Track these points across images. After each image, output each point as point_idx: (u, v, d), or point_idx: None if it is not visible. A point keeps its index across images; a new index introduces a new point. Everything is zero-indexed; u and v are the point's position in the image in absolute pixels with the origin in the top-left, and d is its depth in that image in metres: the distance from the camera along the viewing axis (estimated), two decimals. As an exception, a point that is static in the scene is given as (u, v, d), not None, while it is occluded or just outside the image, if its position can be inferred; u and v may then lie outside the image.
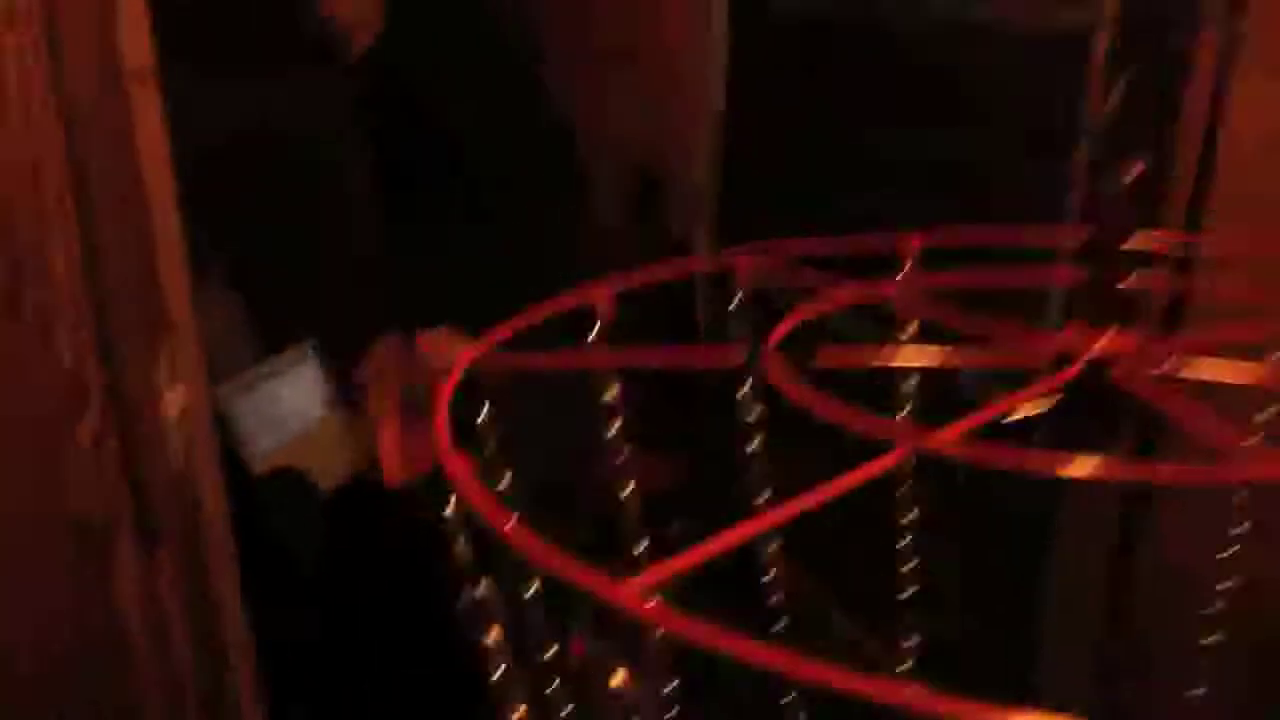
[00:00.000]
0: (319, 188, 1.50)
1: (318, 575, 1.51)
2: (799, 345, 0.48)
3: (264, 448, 1.70)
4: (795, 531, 0.42)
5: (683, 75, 1.67)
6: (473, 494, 0.34)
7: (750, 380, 0.52)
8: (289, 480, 1.65)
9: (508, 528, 0.31)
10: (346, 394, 1.80)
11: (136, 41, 1.01)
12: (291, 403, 1.84)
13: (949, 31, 1.36)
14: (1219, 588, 0.59)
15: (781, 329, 0.49)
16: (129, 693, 1.00)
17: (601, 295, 0.56)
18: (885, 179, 1.53)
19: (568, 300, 0.55)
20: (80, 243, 0.88)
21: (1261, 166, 0.99)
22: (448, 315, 1.42)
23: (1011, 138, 1.27)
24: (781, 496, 0.38)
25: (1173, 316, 0.95)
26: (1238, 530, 0.57)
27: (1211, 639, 0.63)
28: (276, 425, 1.78)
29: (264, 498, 1.37)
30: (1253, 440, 0.53)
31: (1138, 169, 0.59)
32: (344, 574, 1.46)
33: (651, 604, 0.28)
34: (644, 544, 0.56)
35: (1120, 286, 0.51)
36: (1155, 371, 0.47)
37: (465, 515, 0.41)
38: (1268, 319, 0.58)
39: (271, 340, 1.81)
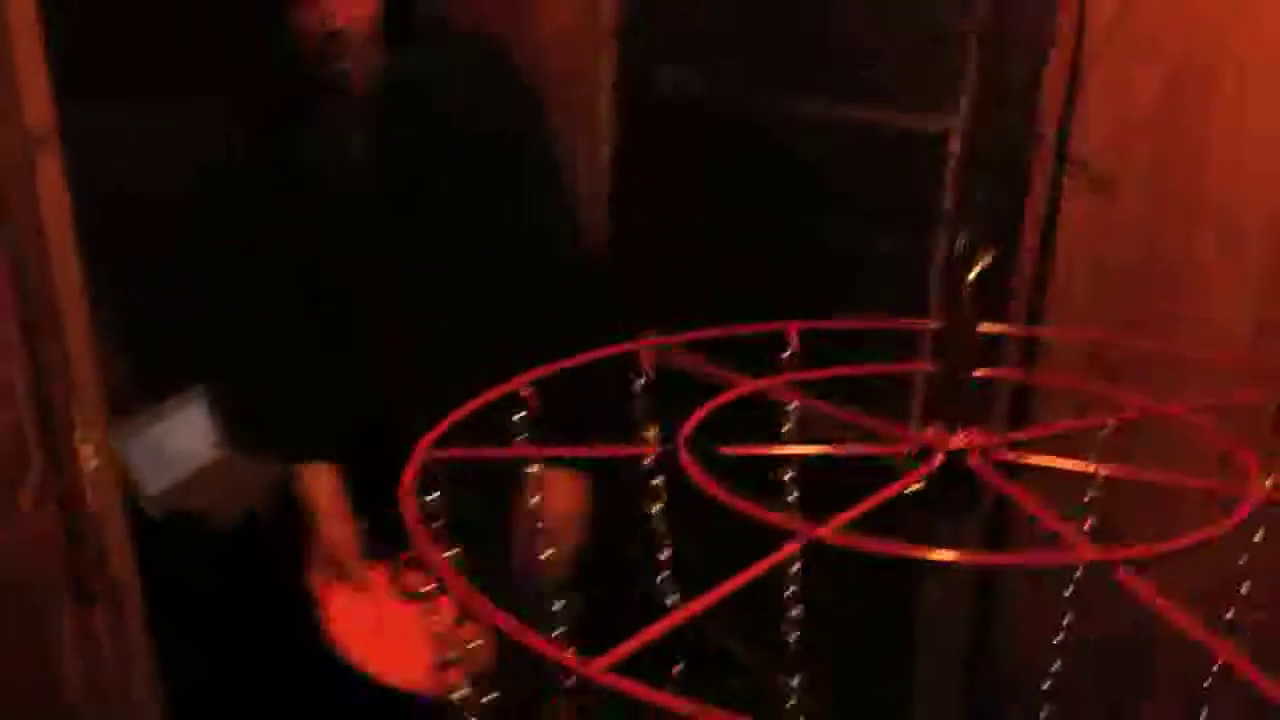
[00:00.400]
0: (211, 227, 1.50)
1: (216, 615, 1.52)
2: (703, 439, 0.56)
3: (155, 491, 1.70)
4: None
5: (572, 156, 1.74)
6: (462, 591, 0.41)
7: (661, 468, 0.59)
8: (183, 522, 1.66)
9: (500, 620, 0.38)
10: (234, 436, 1.81)
11: (39, 107, 1.04)
12: (181, 445, 1.84)
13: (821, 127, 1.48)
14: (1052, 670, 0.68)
15: (691, 422, 0.56)
16: None
17: (524, 386, 0.63)
18: (767, 260, 1.64)
19: (494, 392, 0.62)
20: (20, 317, 0.91)
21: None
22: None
23: (881, 224, 1.39)
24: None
25: (1020, 403, 1.07)
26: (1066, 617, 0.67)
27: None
28: (167, 468, 1.78)
29: (159, 540, 1.38)
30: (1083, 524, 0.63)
31: (986, 260, 0.66)
32: (241, 612, 1.48)
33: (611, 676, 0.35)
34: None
35: (970, 376, 0.59)
36: (1001, 459, 0.56)
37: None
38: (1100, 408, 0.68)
39: (158, 385, 1.81)
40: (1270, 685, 0.40)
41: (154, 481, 1.76)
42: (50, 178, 1.02)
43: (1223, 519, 0.50)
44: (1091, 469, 0.57)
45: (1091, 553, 0.45)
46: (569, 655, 0.36)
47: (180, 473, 1.86)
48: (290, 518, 1.48)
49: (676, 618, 0.39)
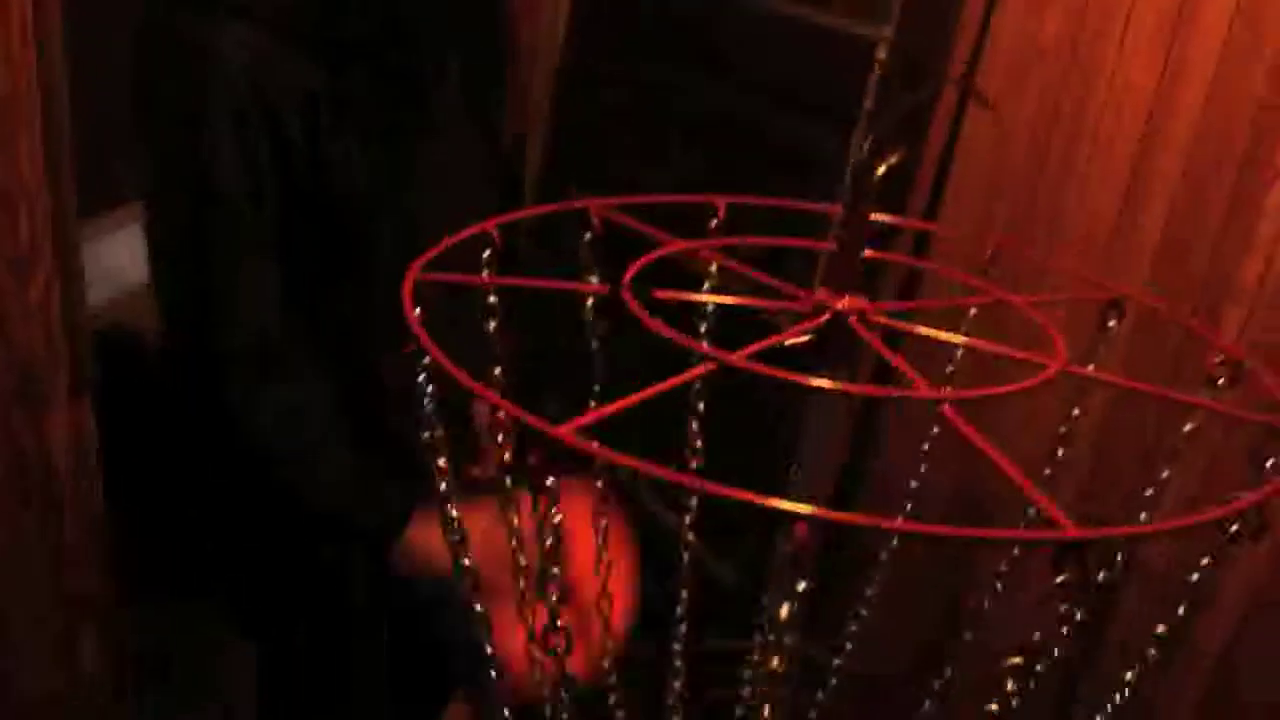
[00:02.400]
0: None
1: (153, 429, 1.60)
2: (642, 283, 0.69)
3: (95, 304, 1.76)
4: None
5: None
6: (444, 362, 0.54)
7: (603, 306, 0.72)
8: (123, 336, 1.72)
9: (477, 385, 0.51)
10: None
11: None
12: (115, 262, 1.89)
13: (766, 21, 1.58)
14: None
15: (631, 270, 0.69)
16: (58, 523, 1.14)
17: (491, 227, 0.75)
18: (704, 144, 1.76)
19: (466, 232, 0.75)
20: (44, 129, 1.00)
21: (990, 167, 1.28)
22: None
23: (811, 117, 1.52)
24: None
25: (911, 282, 1.23)
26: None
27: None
28: (106, 283, 1.83)
29: (100, 352, 1.45)
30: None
31: (895, 157, 0.79)
32: (178, 428, 1.54)
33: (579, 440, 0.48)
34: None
35: (859, 253, 0.72)
36: (875, 322, 0.70)
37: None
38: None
39: (97, 198, 1.84)
40: (1059, 514, 0.53)
41: (92, 295, 1.83)
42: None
43: (1035, 379, 0.65)
44: (940, 335, 0.72)
45: (926, 391, 0.60)
46: (539, 420, 0.49)
47: (118, 288, 1.91)
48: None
49: (625, 401, 0.52)
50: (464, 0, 1.40)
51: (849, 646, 0.97)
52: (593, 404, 0.83)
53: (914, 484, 0.93)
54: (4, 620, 1.20)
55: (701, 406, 0.86)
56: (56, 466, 1.16)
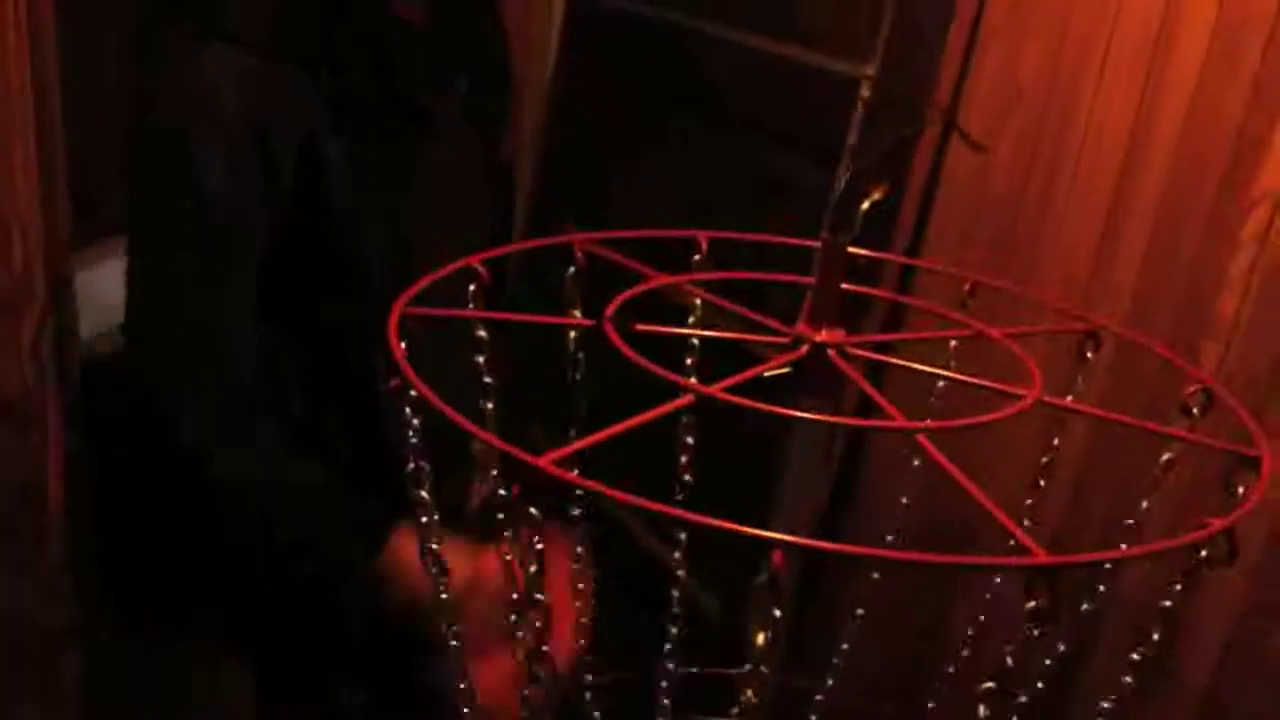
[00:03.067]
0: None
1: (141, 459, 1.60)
2: (624, 316, 0.70)
3: (85, 338, 1.77)
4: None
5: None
6: (422, 391, 0.55)
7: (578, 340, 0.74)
8: (110, 370, 1.72)
9: (461, 421, 0.52)
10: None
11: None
12: (107, 293, 1.89)
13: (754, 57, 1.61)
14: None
15: (614, 304, 0.70)
16: (46, 552, 1.15)
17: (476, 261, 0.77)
18: (689, 175, 1.78)
19: (451, 267, 0.76)
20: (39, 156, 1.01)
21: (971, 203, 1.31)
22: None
23: (795, 151, 1.54)
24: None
25: (895, 317, 1.25)
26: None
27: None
28: (94, 314, 1.83)
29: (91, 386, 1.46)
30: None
31: (879, 193, 0.81)
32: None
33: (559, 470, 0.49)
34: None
35: (837, 286, 0.74)
36: (855, 354, 0.72)
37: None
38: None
39: (84, 229, 1.84)
40: (1029, 540, 0.54)
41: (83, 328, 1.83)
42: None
43: (1010, 409, 0.66)
44: (916, 367, 0.73)
45: (903, 422, 0.61)
46: (518, 450, 0.50)
47: (106, 322, 1.92)
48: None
49: (605, 433, 0.53)
50: (463, 22, 1.41)
51: (830, 681, 0.98)
52: (574, 435, 0.85)
53: (897, 512, 0.94)
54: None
55: (688, 438, 0.87)
56: (49, 497, 1.16)
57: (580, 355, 0.84)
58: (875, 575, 0.90)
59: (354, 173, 1.24)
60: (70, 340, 1.14)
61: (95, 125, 1.51)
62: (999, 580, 0.94)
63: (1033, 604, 0.49)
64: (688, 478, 0.89)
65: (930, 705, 0.95)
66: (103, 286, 1.91)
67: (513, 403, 0.85)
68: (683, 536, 0.92)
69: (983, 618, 0.92)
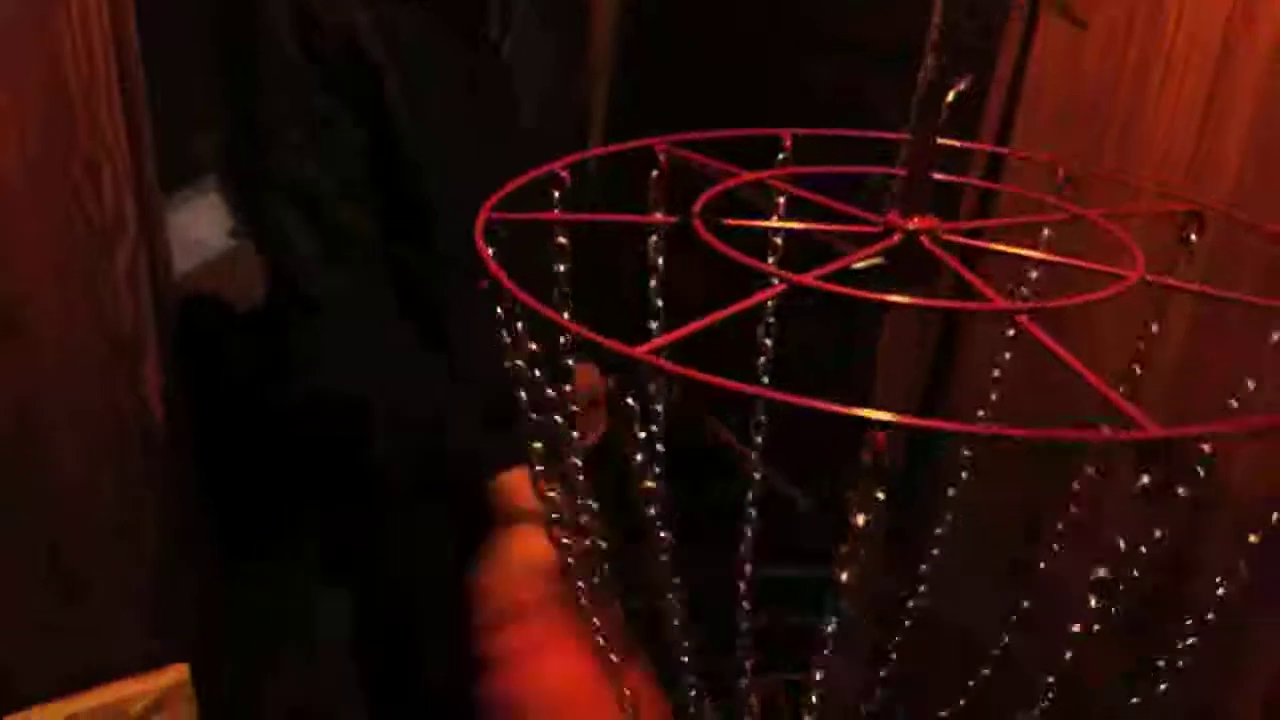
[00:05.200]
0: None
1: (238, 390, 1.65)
2: (713, 211, 0.69)
3: (177, 274, 1.82)
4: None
5: None
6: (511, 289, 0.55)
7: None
8: (207, 303, 1.77)
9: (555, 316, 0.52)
10: (248, 226, 1.90)
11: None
12: (198, 232, 1.94)
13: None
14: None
15: (701, 200, 0.69)
16: (153, 472, 1.19)
17: (559, 167, 0.76)
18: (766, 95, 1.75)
19: (534, 172, 0.75)
20: (122, 93, 1.03)
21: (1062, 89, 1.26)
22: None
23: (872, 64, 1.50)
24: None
25: (984, 209, 1.22)
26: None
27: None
28: (186, 253, 1.88)
29: (186, 318, 1.49)
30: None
31: (964, 83, 0.78)
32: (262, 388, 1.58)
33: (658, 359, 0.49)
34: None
35: (928, 174, 0.72)
36: (952, 240, 0.70)
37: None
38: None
39: (174, 170, 1.88)
40: (1139, 414, 0.52)
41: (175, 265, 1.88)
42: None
43: (1112, 289, 0.64)
44: (1013, 250, 0.72)
45: (1002, 303, 0.59)
46: (614, 342, 0.50)
47: (197, 259, 1.96)
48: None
49: (713, 316, 0.52)
50: None
51: (922, 588, 0.97)
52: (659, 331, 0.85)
53: (989, 406, 0.93)
54: (99, 570, 1.26)
55: (768, 339, 0.87)
56: (150, 423, 1.20)
57: (660, 259, 0.84)
58: (966, 453, 0.89)
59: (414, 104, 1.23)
60: (164, 272, 1.17)
61: (182, 71, 1.53)
62: (1097, 470, 0.92)
63: (1145, 480, 0.48)
64: (769, 365, 0.88)
65: (1025, 605, 0.94)
66: (197, 223, 1.96)
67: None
68: (762, 419, 0.91)
69: (1074, 509, 0.91)
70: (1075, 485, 0.83)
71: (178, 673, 1.34)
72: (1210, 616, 0.71)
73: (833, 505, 0.97)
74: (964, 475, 0.88)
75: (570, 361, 0.70)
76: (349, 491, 1.41)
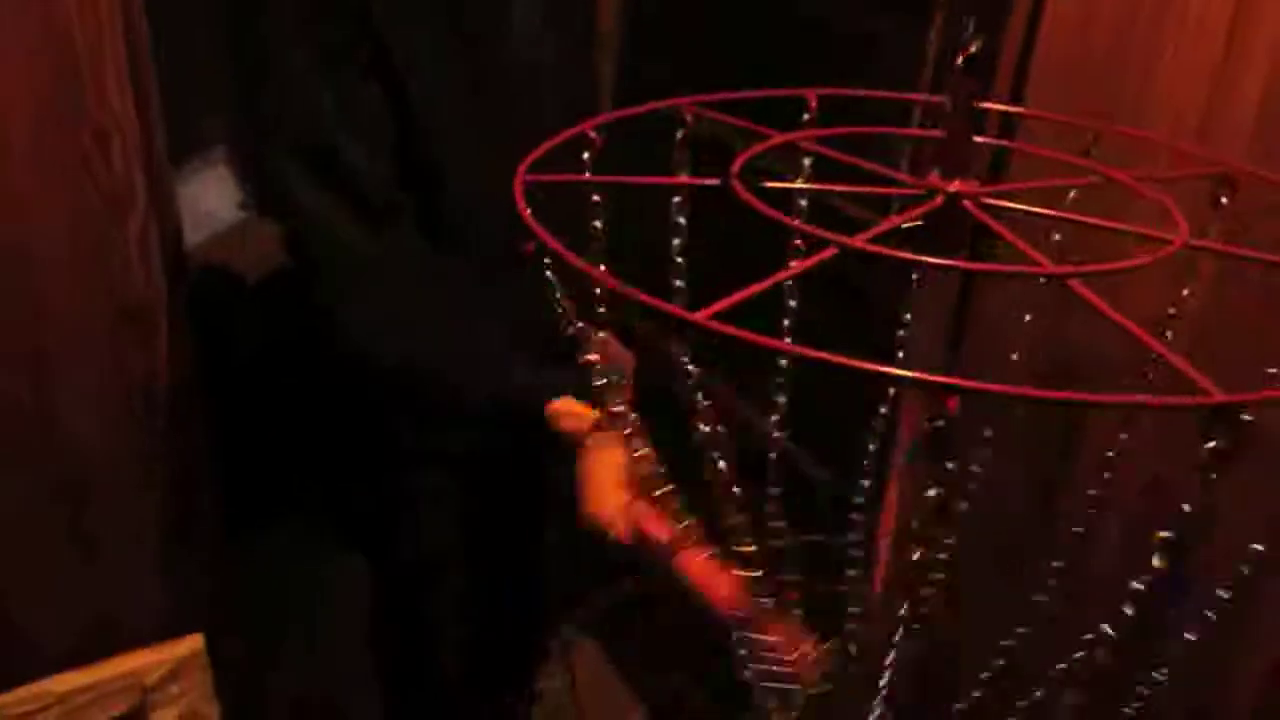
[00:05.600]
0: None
1: (251, 361, 1.64)
2: (749, 174, 0.69)
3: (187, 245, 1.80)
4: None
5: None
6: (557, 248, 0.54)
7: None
8: (217, 274, 1.76)
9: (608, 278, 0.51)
10: (257, 198, 1.89)
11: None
12: (207, 204, 1.93)
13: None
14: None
15: (738, 161, 0.69)
16: (164, 439, 1.19)
17: (589, 128, 0.75)
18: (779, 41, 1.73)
19: (566, 134, 0.75)
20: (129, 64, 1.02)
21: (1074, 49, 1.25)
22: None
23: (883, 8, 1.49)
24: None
25: (997, 169, 1.21)
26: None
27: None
28: (195, 225, 1.87)
29: (197, 289, 1.48)
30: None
31: (974, 44, 0.77)
32: (275, 358, 1.58)
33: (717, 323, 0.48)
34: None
35: (969, 136, 0.72)
36: (990, 203, 0.70)
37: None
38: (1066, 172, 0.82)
39: (182, 145, 1.87)
40: (1205, 380, 0.52)
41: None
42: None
43: (1159, 253, 0.64)
44: (1068, 215, 0.71)
45: (1050, 267, 0.59)
46: (674, 306, 0.50)
47: (207, 230, 1.95)
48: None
49: (766, 281, 0.52)
50: None
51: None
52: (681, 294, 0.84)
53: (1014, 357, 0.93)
54: (111, 538, 1.26)
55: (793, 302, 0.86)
56: (161, 391, 1.20)
57: (683, 220, 0.83)
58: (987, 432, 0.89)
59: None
60: (175, 242, 1.16)
61: (190, 45, 1.52)
62: (1125, 438, 0.92)
63: (1212, 444, 0.48)
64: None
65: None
66: (206, 195, 1.95)
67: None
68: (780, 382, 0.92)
69: (1108, 474, 0.91)
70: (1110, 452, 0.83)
71: (193, 642, 1.34)
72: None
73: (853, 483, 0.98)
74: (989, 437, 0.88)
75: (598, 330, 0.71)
76: (375, 459, 1.41)
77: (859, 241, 0.58)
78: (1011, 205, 0.68)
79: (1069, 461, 1.23)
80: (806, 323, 0.92)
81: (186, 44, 1.34)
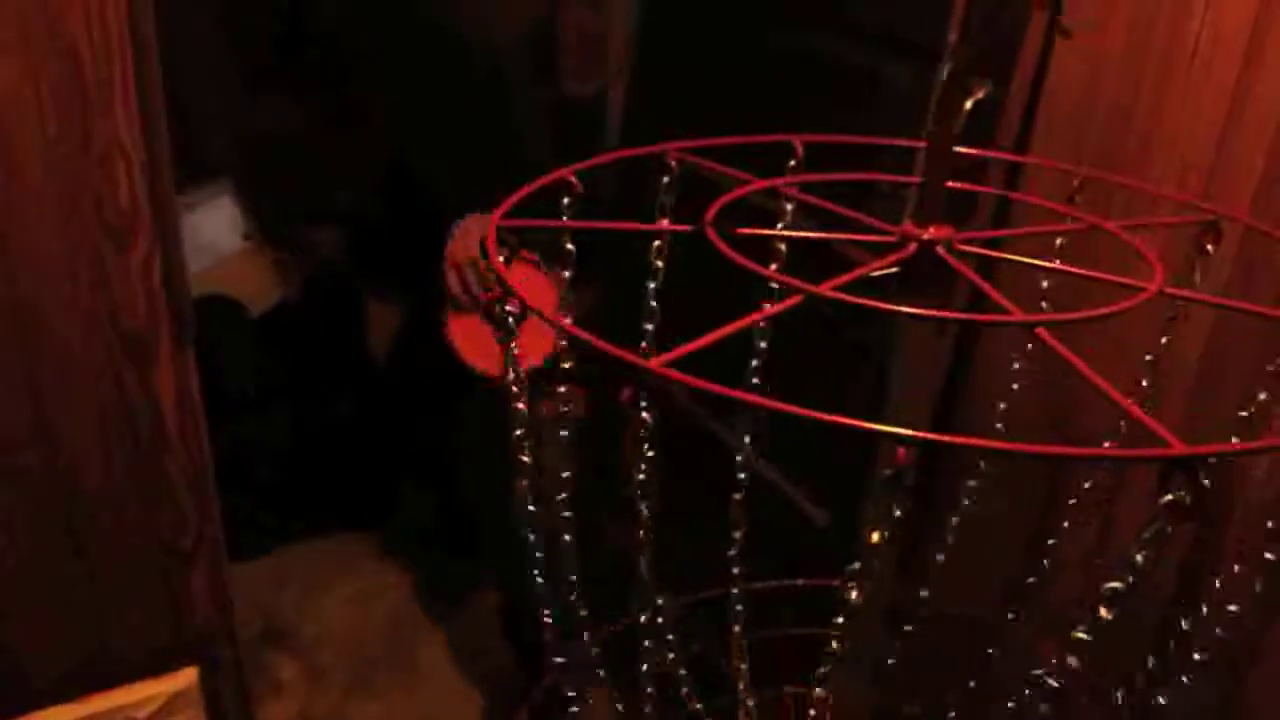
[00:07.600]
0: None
1: (250, 391, 1.66)
2: (726, 220, 0.69)
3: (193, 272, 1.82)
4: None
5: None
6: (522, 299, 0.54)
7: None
8: (219, 304, 1.78)
9: (567, 324, 0.51)
10: (263, 228, 1.92)
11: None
12: (211, 233, 1.95)
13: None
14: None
15: (713, 209, 0.69)
16: (165, 469, 1.19)
17: (569, 173, 0.76)
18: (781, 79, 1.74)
19: (547, 178, 0.75)
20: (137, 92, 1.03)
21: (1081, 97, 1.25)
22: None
23: (890, 53, 1.49)
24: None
25: (1001, 218, 1.21)
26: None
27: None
28: (199, 253, 1.89)
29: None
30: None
31: (982, 91, 0.78)
32: (273, 389, 1.60)
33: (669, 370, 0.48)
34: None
35: (946, 185, 0.71)
36: (964, 250, 0.70)
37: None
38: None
39: (186, 177, 1.89)
40: (1165, 431, 0.51)
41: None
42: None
43: (1132, 300, 0.64)
44: (1032, 262, 0.71)
45: (1020, 315, 0.59)
46: (630, 354, 0.50)
47: (210, 259, 1.97)
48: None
49: (727, 329, 0.52)
50: None
51: (924, 592, 0.96)
52: (643, 343, 0.84)
53: (1001, 416, 0.92)
54: (111, 567, 1.26)
55: (764, 342, 0.86)
56: (162, 419, 1.21)
57: (660, 264, 0.83)
58: (981, 463, 0.88)
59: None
60: (179, 270, 1.17)
61: (198, 76, 1.55)
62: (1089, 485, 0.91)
63: (1169, 497, 0.47)
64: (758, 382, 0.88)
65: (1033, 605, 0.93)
66: (211, 224, 1.97)
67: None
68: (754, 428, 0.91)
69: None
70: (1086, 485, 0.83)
71: (187, 677, 1.34)
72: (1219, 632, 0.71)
73: (849, 522, 0.97)
74: (974, 484, 0.88)
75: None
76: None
77: (825, 289, 0.58)
78: (983, 251, 0.68)
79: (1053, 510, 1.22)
80: (794, 352, 0.92)
81: (195, 72, 1.36)
